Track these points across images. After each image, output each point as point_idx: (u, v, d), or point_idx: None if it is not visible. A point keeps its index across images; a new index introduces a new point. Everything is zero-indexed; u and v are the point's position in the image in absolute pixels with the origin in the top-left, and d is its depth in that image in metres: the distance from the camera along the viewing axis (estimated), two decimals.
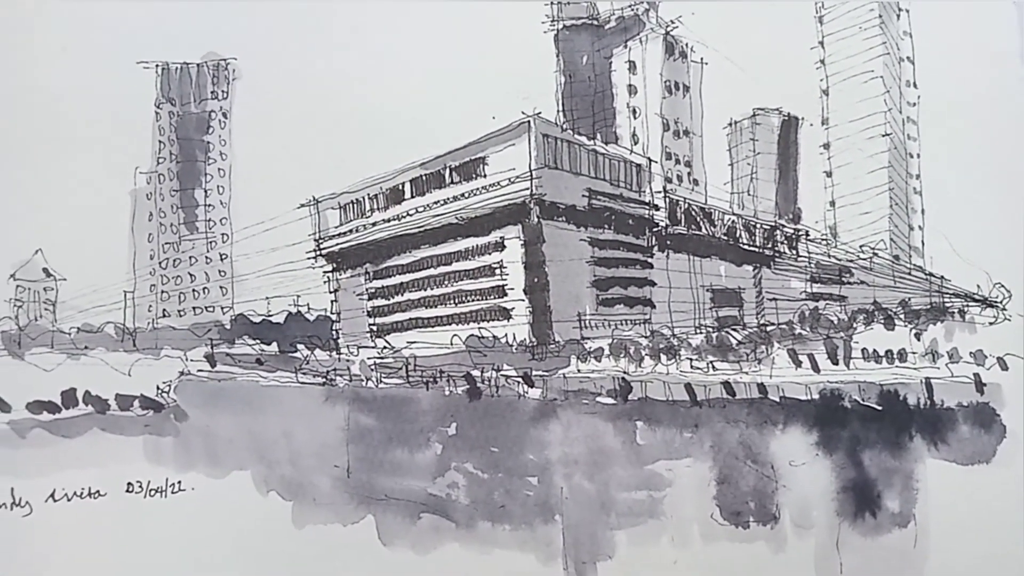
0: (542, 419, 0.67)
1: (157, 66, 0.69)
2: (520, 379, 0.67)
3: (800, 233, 0.69)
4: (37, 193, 0.69)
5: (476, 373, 0.67)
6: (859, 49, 0.70)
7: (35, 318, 0.68)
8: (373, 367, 0.68)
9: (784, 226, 0.69)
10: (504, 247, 0.68)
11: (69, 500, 0.67)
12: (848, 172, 0.69)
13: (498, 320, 0.67)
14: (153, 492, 0.67)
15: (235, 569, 0.66)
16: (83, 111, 0.69)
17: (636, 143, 0.69)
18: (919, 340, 0.67)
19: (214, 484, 0.67)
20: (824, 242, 0.68)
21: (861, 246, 0.70)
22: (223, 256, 0.69)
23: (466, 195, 0.68)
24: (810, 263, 0.69)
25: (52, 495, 0.67)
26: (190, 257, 0.69)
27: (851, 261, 0.70)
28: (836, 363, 0.66)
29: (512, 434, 0.66)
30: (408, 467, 0.67)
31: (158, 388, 0.68)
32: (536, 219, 0.67)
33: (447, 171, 0.68)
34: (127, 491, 0.67)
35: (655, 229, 0.69)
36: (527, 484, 0.66)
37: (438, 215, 0.69)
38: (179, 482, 0.67)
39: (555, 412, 0.67)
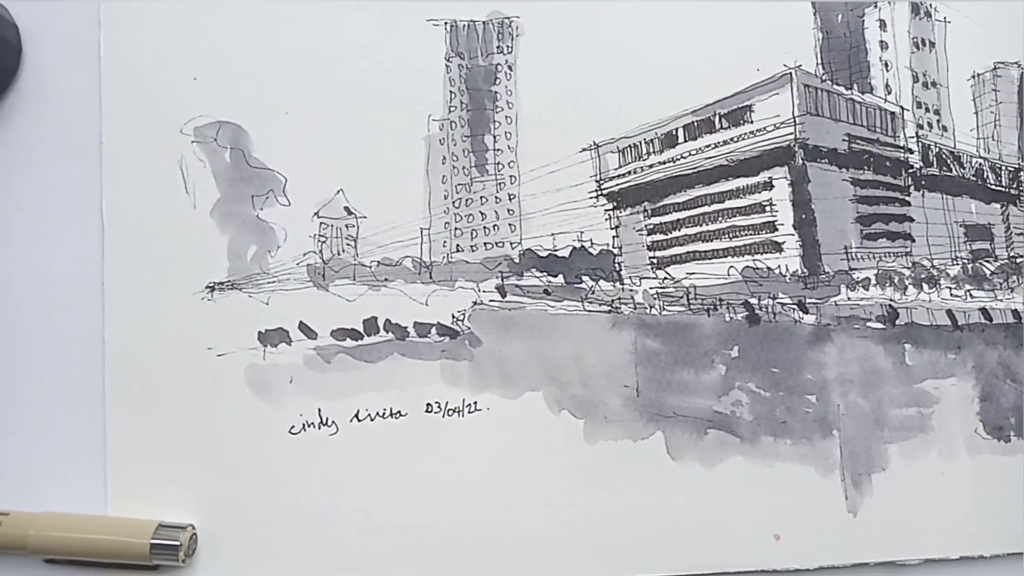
0: (817, 342, 0.72)
1: (446, 24, 0.75)
2: (795, 306, 0.72)
3: None
4: (339, 138, 0.74)
5: (753, 301, 0.72)
6: None
7: (338, 253, 0.73)
8: (656, 296, 0.73)
9: None
10: (772, 186, 0.73)
11: (372, 420, 0.72)
12: None
13: (770, 252, 0.73)
14: (451, 412, 0.72)
15: (531, 482, 0.71)
16: (380, 64, 0.74)
17: (889, 93, 0.75)
18: None
19: (508, 404, 0.72)
20: None
21: None
22: (511, 196, 0.74)
23: (735, 139, 0.74)
24: None
25: (356, 415, 0.72)
26: (481, 197, 0.75)
27: None
28: None
29: (790, 356, 0.72)
30: (694, 386, 0.72)
31: (453, 316, 0.73)
32: (801, 161, 0.73)
33: (716, 117, 0.74)
34: (426, 411, 0.72)
35: (910, 171, 0.75)
36: (806, 402, 0.71)
37: (709, 157, 0.75)
38: (475, 402, 0.72)
39: (829, 336, 0.72)
